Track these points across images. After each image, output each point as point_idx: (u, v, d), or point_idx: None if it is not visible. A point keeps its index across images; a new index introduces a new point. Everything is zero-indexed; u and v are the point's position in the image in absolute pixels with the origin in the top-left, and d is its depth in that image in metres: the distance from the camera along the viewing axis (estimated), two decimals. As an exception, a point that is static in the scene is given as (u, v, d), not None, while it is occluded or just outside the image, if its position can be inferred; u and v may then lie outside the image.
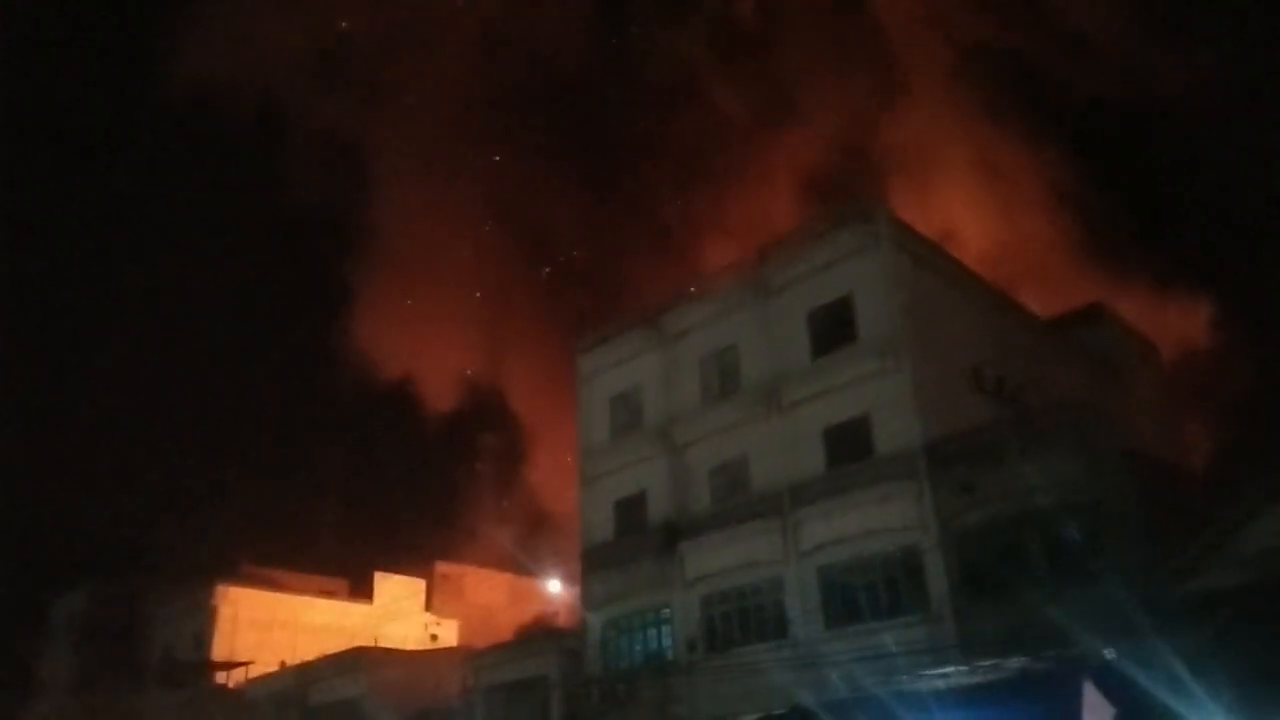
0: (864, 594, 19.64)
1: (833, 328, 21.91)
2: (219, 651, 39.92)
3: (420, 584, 47.45)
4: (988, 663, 14.12)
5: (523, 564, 48.77)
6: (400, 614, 45.10)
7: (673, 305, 25.50)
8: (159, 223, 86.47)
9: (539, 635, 26.02)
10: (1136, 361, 30.29)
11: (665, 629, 23.22)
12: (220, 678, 38.59)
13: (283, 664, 37.74)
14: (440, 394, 54.26)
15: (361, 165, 72.75)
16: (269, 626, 42.59)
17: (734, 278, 24.22)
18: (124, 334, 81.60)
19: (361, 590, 46.82)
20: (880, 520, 19.58)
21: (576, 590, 43.96)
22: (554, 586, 47.61)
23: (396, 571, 47.29)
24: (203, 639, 41.14)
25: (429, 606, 46.52)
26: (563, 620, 39.84)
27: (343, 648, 34.94)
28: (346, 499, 73.85)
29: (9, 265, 77.54)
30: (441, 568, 48.63)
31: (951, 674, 14.42)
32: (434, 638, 43.72)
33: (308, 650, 39.98)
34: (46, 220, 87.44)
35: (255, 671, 37.34)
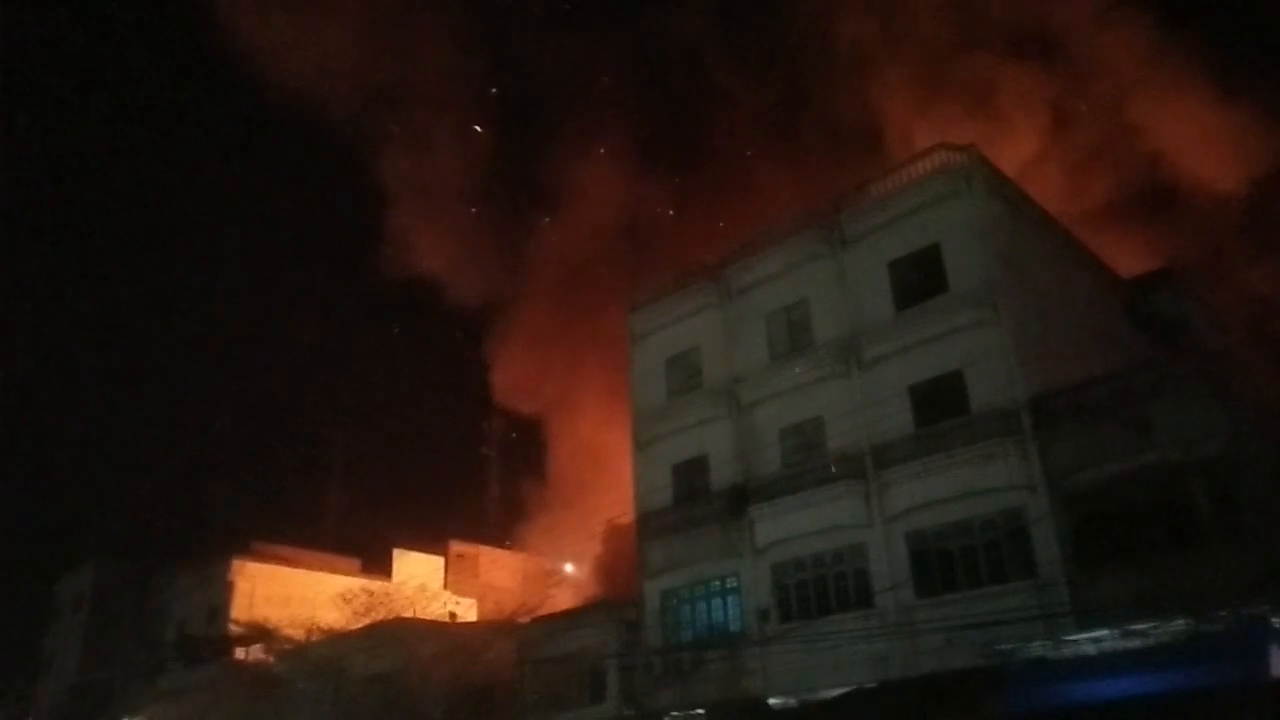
0: (961, 560, 18.33)
1: (919, 279, 20.54)
2: (236, 626, 38.74)
3: (439, 561, 46.47)
4: (1144, 626, 12.82)
5: (536, 545, 47.89)
6: (418, 591, 44.03)
7: (736, 259, 24.07)
8: (169, 196, 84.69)
9: (593, 605, 24.67)
10: (1208, 329, 29.04)
11: (732, 598, 21.92)
12: (240, 653, 37.36)
13: (309, 636, 36.51)
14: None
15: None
16: (286, 602, 41.43)
17: (805, 229, 22.80)
18: (128, 311, 79.95)
19: (373, 569, 45.81)
20: (979, 481, 18.23)
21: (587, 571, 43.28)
22: (568, 568, 46.69)
23: (410, 550, 46.30)
24: (219, 615, 39.99)
25: (445, 585, 45.48)
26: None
27: (362, 624, 33.80)
28: (355, 478, 72.45)
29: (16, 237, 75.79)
30: (456, 547, 47.72)
31: (1104, 638, 13.12)
32: (453, 615, 42.67)
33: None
34: (46, 191, 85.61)
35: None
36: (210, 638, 37.83)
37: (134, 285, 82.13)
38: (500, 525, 50.97)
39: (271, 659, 33.64)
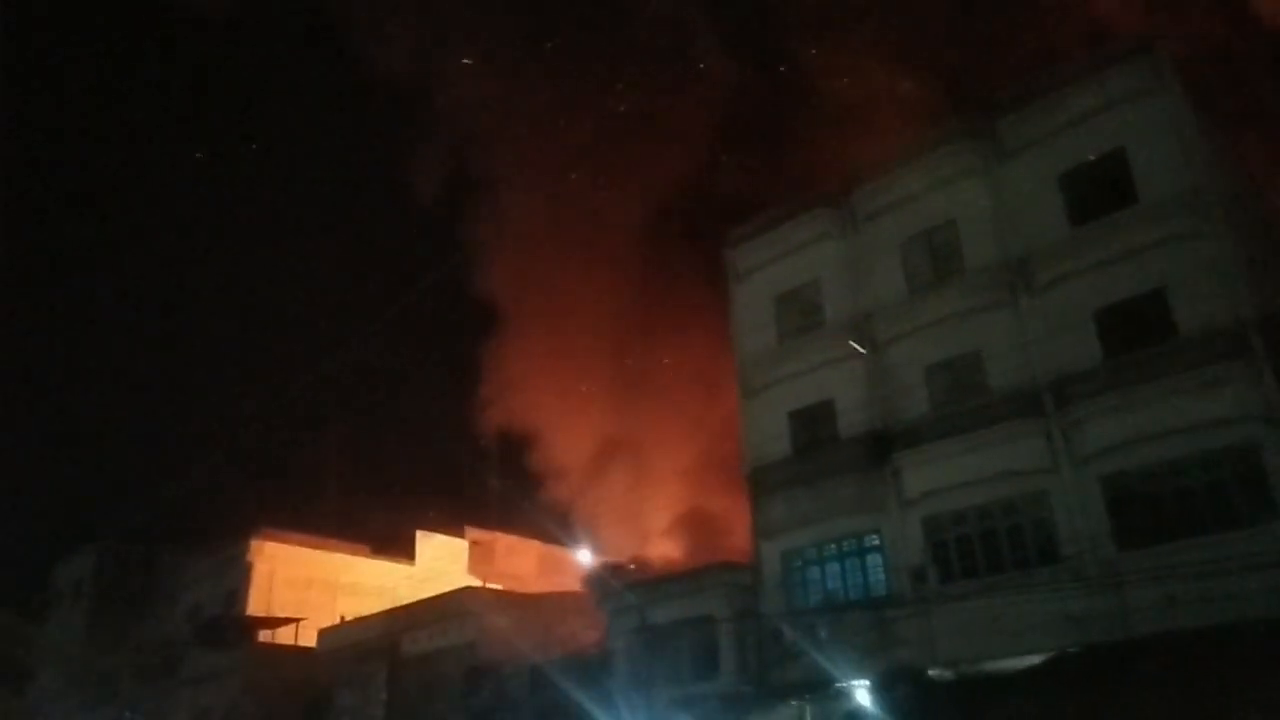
0: (1174, 505, 15.78)
1: (1099, 190, 17.96)
2: (254, 610, 35.96)
3: (463, 545, 43.81)
4: None
5: (552, 533, 45.29)
6: (442, 575, 41.47)
7: (865, 181, 21.45)
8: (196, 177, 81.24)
9: (703, 568, 21.94)
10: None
11: (873, 557, 19.31)
12: (263, 636, 34.52)
13: (342, 618, 33.76)
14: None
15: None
16: (307, 585, 38.81)
17: (952, 141, 20.23)
18: (135, 293, 76.51)
19: (390, 553, 43.21)
20: (1196, 414, 15.68)
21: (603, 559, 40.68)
22: (585, 556, 44.10)
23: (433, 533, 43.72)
24: (236, 597, 37.15)
25: (469, 570, 42.92)
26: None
27: (384, 608, 31.28)
28: (363, 464, 69.32)
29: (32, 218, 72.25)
30: (472, 533, 45.18)
31: None
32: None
33: (347, 610, 36.35)
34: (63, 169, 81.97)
35: (306, 629, 33.37)
36: (234, 620, 34.89)
37: (143, 267, 78.65)
38: (515, 511, 48.25)
39: (313, 642, 30.69)
